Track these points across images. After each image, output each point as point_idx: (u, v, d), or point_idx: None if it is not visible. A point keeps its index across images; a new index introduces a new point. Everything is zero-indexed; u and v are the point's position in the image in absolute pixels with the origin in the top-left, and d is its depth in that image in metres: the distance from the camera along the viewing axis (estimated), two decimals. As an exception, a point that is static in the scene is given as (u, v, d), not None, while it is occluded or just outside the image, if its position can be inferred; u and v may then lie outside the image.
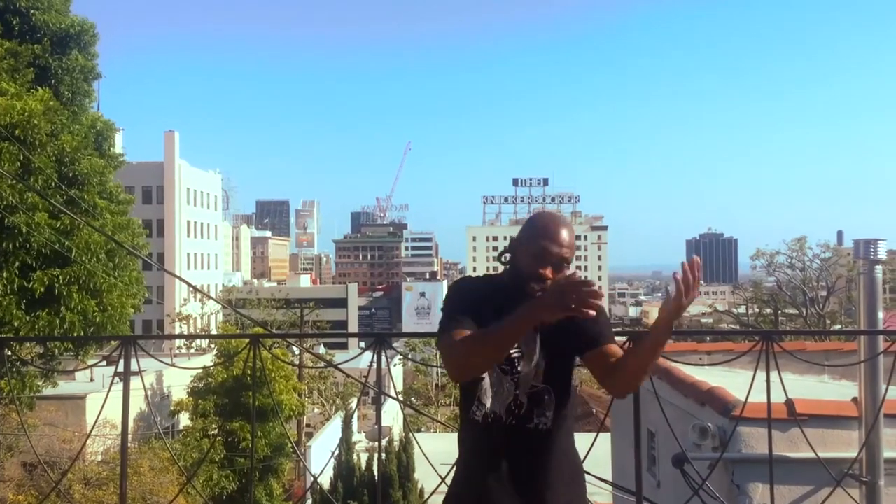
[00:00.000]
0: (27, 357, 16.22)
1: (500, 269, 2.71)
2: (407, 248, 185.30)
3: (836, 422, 4.66)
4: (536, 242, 2.46)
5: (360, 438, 29.02)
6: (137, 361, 3.86)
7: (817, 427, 4.57)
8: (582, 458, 2.76)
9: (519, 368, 2.51)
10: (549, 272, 2.43)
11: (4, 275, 15.08)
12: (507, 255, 2.61)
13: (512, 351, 2.49)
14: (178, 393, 28.58)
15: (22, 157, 15.31)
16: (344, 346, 62.33)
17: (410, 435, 22.07)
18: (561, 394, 2.55)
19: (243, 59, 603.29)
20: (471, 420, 2.57)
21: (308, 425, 38.36)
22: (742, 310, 55.23)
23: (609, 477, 6.43)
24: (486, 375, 2.52)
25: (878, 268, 4.26)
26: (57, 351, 16.87)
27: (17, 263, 15.27)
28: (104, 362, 22.03)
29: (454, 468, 2.66)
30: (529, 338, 2.50)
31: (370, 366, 3.91)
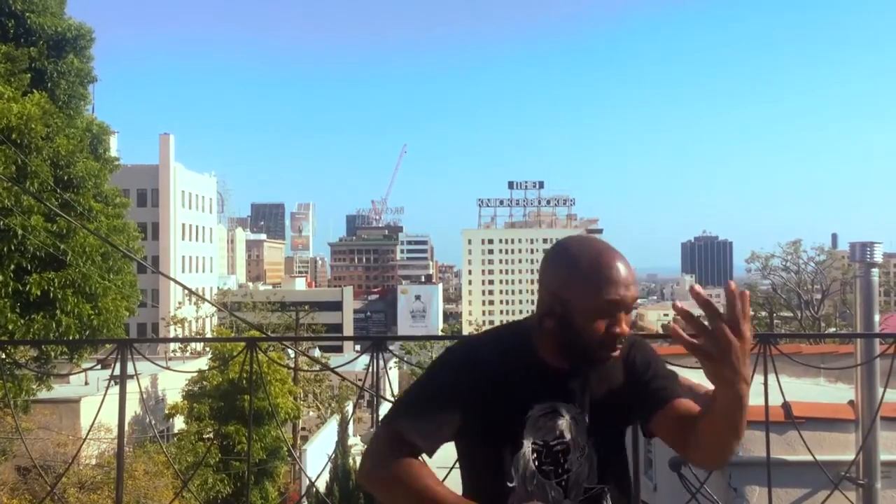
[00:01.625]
0: (22, 360, 16.18)
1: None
2: (402, 251, 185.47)
3: (832, 425, 4.66)
4: (597, 294, 1.73)
5: (355, 442, 29.00)
6: (134, 365, 3.85)
7: (814, 430, 4.58)
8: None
9: (567, 466, 1.85)
10: (624, 326, 1.76)
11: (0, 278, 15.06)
12: (551, 318, 1.80)
13: (552, 441, 1.84)
14: (173, 396, 28.55)
15: (17, 161, 15.29)
16: (339, 350, 62.31)
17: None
18: (620, 490, 1.92)
19: (238, 62, 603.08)
20: None
21: (303, 428, 38.33)
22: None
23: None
24: (515, 481, 1.83)
25: (875, 271, 4.27)
26: (52, 354, 16.83)
27: (12, 266, 15.24)
28: (99, 366, 21.99)
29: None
30: (577, 420, 1.86)
31: (367, 369, 3.90)
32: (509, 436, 1.83)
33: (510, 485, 1.82)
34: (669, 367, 2.00)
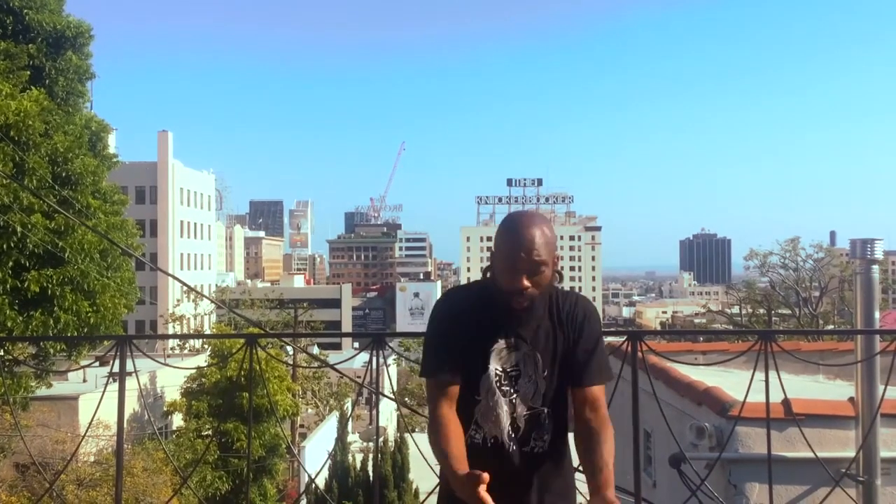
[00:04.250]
0: (20, 357, 16.14)
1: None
2: (401, 249, 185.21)
3: (832, 421, 4.66)
4: (506, 254, 2.32)
5: (354, 439, 29.00)
6: (133, 362, 3.84)
7: (813, 427, 4.57)
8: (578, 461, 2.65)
9: (517, 388, 2.43)
10: (524, 282, 2.29)
11: (-2, 274, 15.02)
12: (489, 271, 2.45)
13: (509, 368, 2.42)
14: (172, 394, 28.51)
15: (16, 158, 15.25)
16: (338, 347, 62.27)
17: (405, 435, 22.07)
18: (559, 416, 2.48)
19: (237, 59, 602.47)
20: (470, 443, 2.45)
21: (302, 425, 38.31)
22: (735, 310, 55.35)
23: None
24: (482, 396, 2.43)
25: (875, 267, 4.26)
26: (51, 351, 16.80)
27: (10, 263, 15.20)
28: (97, 363, 21.94)
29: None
30: (528, 356, 2.42)
31: (366, 366, 3.89)
32: (480, 362, 2.41)
33: (477, 398, 2.43)
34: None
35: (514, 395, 2.42)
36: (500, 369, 2.41)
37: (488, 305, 2.41)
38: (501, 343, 2.41)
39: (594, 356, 2.44)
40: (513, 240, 2.31)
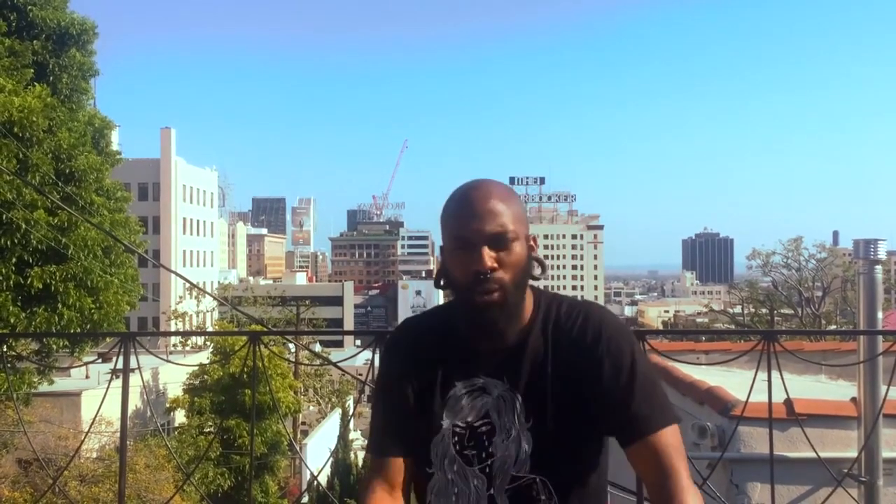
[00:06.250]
0: (23, 353, 16.19)
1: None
2: (403, 247, 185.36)
3: (834, 421, 4.66)
4: (450, 234, 1.60)
5: (356, 436, 29.03)
6: (137, 358, 3.85)
7: (816, 427, 4.57)
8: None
9: (491, 451, 1.63)
10: (486, 259, 1.54)
11: (1, 270, 15.06)
12: (443, 278, 1.67)
13: (477, 422, 1.63)
14: (174, 390, 28.57)
15: (19, 154, 15.28)
16: (340, 344, 62.33)
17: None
18: (566, 485, 1.64)
19: (240, 57, 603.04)
20: None
21: (303, 423, 38.36)
22: (738, 309, 55.34)
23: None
24: (434, 466, 1.67)
25: (878, 268, 4.26)
26: (55, 347, 16.85)
27: (13, 259, 15.24)
28: (100, 359, 22.00)
29: None
30: (504, 400, 1.63)
31: (369, 364, 3.90)
32: (430, 417, 1.67)
33: (429, 471, 1.68)
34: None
35: (489, 462, 1.63)
36: (462, 425, 1.65)
37: (448, 337, 1.69)
38: (461, 387, 1.66)
39: (636, 391, 1.60)
40: (461, 207, 1.59)
